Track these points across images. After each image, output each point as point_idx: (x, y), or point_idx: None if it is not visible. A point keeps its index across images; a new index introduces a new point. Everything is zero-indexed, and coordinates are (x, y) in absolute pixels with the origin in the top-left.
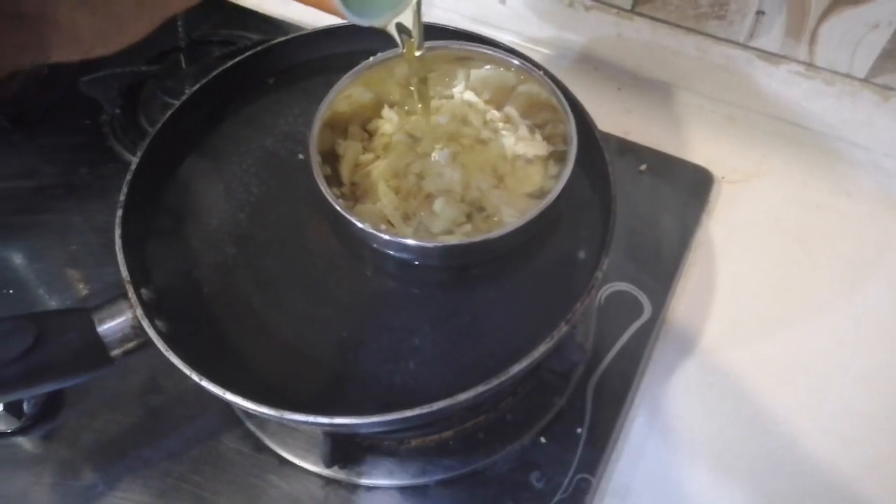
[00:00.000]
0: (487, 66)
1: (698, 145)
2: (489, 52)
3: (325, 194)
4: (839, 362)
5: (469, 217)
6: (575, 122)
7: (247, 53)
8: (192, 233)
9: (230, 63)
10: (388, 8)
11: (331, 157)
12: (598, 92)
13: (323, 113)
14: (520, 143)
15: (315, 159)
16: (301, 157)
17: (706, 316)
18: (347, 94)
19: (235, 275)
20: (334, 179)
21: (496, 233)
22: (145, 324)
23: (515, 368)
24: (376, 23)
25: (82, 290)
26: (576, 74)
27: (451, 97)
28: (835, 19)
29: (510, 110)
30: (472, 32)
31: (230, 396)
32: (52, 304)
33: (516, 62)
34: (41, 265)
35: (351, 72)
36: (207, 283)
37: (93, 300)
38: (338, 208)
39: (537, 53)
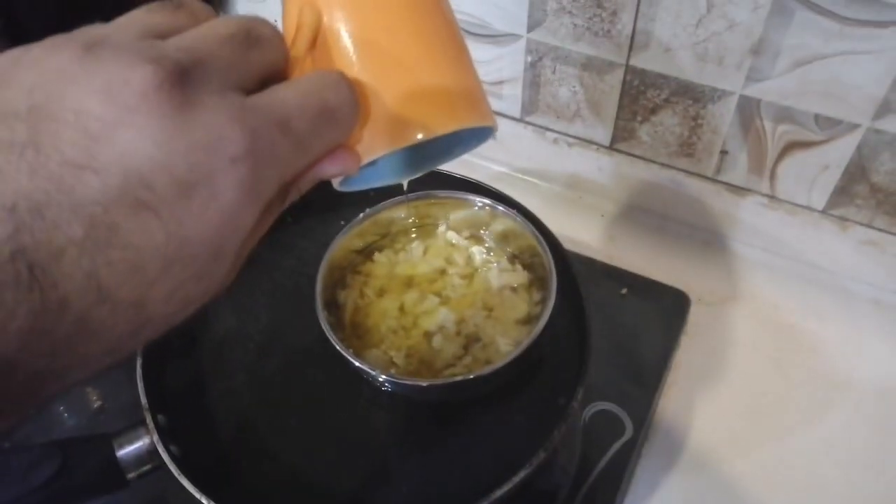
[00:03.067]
0: (468, 210)
1: (676, 269)
2: (474, 198)
3: (340, 349)
4: (816, 479)
5: (466, 349)
6: (554, 260)
7: None
8: (206, 360)
9: None
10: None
11: (333, 304)
12: (582, 219)
13: (324, 270)
14: (503, 274)
15: (324, 318)
16: (306, 289)
17: (687, 433)
18: (343, 246)
19: (243, 401)
20: (337, 324)
21: (494, 366)
22: (161, 449)
23: (497, 493)
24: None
25: (100, 408)
26: (561, 203)
27: (436, 238)
28: (790, 159)
29: (490, 245)
30: (458, 176)
31: None
32: (72, 417)
33: (501, 208)
34: None
35: (345, 228)
36: (218, 407)
37: (110, 413)
38: (354, 362)
39: (526, 182)
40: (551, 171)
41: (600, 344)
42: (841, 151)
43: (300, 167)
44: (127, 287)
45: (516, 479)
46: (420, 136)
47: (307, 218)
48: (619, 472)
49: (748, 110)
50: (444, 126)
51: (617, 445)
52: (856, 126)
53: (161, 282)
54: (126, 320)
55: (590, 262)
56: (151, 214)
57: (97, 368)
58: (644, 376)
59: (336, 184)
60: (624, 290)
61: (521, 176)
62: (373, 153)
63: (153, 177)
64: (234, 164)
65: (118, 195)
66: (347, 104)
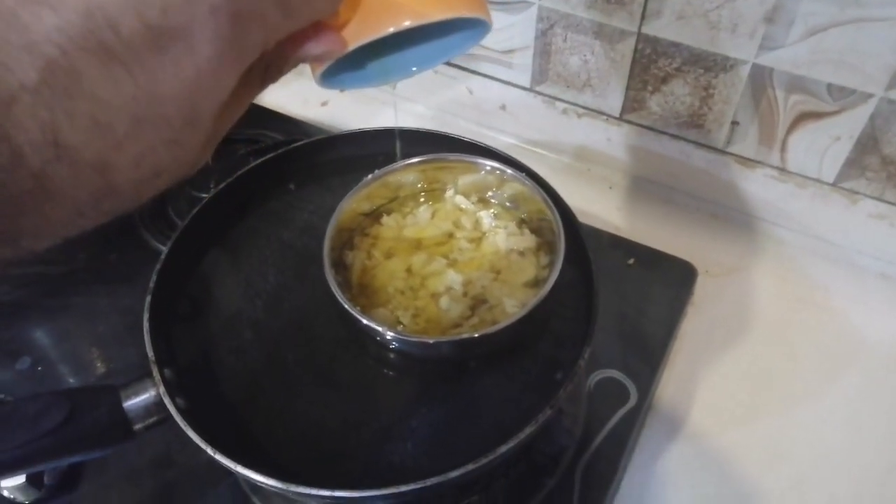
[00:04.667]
0: (477, 174)
1: (683, 241)
2: (483, 162)
3: (347, 307)
4: (819, 450)
5: (473, 310)
6: (562, 223)
7: (269, 155)
8: (213, 317)
9: (254, 163)
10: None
11: (340, 265)
12: (590, 190)
13: (332, 231)
14: (510, 238)
15: (331, 277)
16: (314, 249)
17: (691, 402)
18: (351, 208)
19: (250, 358)
20: (345, 284)
21: (501, 324)
22: (167, 401)
23: (502, 449)
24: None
25: (106, 368)
26: (570, 174)
27: (444, 202)
28: (802, 131)
29: (498, 209)
30: (470, 141)
31: (241, 469)
32: (78, 381)
33: (510, 172)
34: (69, 345)
35: (353, 190)
36: (224, 364)
37: (115, 378)
38: (362, 319)
39: (534, 154)
40: (560, 141)
41: (607, 313)
42: (853, 122)
43: (283, 33)
44: (90, 146)
45: (522, 434)
46: (408, 23)
47: (313, 183)
48: (623, 440)
49: (760, 80)
50: (435, 13)
51: (621, 413)
52: (869, 96)
53: (128, 143)
54: (88, 184)
55: (597, 233)
56: (118, 63)
57: (54, 237)
58: (649, 346)
59: (317, 77)
60: (631, 261)
61: (529, 147)
62: (360, 37)
63: (121, 19)
64: (214, 14)
65: (79, 36)
66: None
